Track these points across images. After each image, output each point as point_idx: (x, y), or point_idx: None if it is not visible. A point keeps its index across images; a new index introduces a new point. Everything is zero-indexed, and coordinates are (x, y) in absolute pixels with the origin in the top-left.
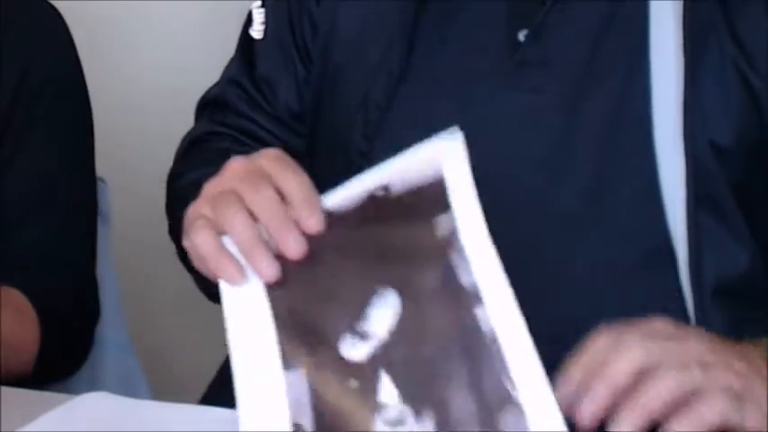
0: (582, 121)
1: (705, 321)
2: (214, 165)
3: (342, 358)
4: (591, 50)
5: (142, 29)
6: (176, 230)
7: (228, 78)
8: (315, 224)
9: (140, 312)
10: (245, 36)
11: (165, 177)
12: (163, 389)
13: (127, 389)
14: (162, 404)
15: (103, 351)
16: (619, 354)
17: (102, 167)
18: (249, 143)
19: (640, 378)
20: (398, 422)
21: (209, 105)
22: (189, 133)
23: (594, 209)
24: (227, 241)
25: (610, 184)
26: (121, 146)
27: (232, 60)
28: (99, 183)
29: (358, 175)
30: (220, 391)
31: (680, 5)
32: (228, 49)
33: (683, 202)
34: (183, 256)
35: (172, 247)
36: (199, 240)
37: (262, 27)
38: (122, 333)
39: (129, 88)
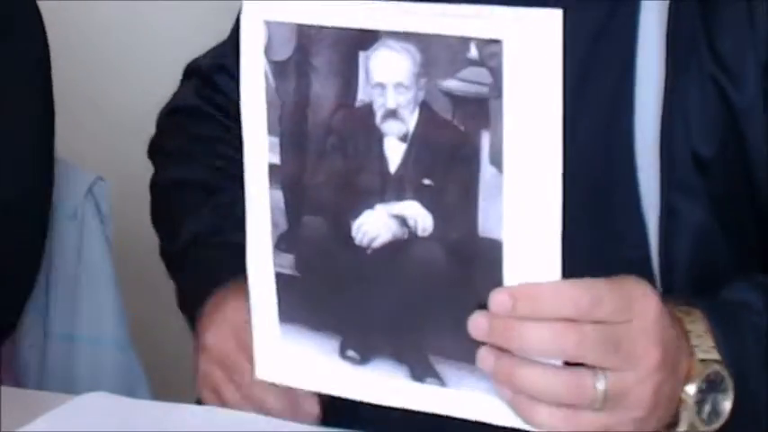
0: (575, 130)
1: None
2: (198, 165)
3: None
4: (585, 60)
5: (142, 30)
6: (165, 249)
7: (218, 63)
8: None
9: (140, 312)
10: (238, 22)
11: None
12: (163, 389)
13: (127, 388)
14: (162, 404)
15: (103, 351)
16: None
17: (102, 167)
18: (235, 127)
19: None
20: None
21: (197, 76)
22: (173, 100)
23: (589, 213)
24: None
25: (600, 192)
26: (121, 146)
27: (224, 41)
28: (99, 182)
29: None
30: None
31: (666, 17)
32: None
33: (656, 214)
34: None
35: None
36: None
37: None
38: (122, 333)
39: (129, 88)
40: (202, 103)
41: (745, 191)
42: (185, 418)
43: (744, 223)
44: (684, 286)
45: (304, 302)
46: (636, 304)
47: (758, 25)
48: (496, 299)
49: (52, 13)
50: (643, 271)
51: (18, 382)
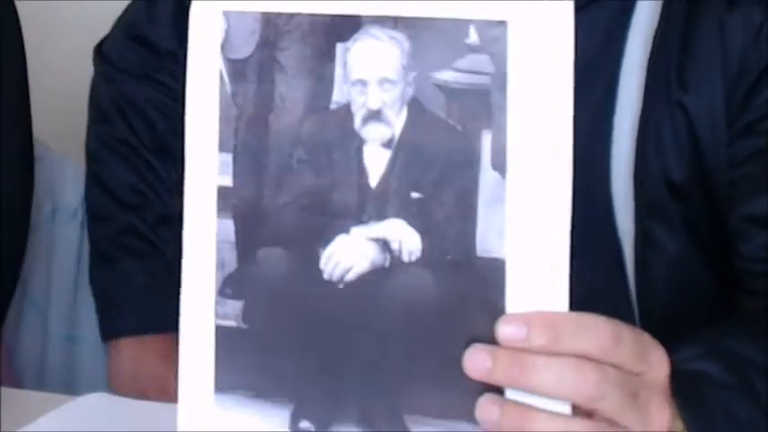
0: None
1: None
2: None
3: None
4: (580, 75)
5: None
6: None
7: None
8: None
9: None
10: None
11: None
12: None
13: None
14: (162, 404)
15: (103, 351)
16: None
17: None
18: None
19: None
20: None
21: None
22: (124, 30)
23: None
24: None
25: (575, 218)
26: None
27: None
28: None
29: None
30: None
31: (650, 45)
32: None
33: (632, 241)
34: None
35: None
36: None
37: None
38: None
39: None
40: (150, 88)
41: (714, 215)
42: None
43: (719, 247)
44: (662, 313)
45: (249, 363)
46: (650, 354)
47: (730, 41)
48: (507, 327)
49: (48, 12)
50: (620, 298)
51: (18, 383)
